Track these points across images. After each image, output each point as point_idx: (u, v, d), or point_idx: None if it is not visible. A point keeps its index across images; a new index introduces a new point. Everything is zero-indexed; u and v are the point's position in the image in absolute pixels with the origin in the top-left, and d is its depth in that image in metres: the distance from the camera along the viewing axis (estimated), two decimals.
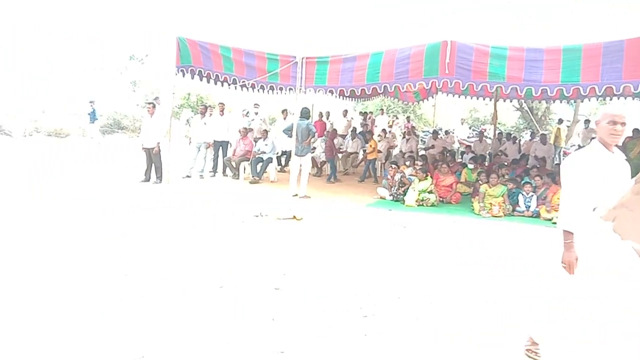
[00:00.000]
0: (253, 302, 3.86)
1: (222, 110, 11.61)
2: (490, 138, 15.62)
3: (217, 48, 9.63)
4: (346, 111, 16.65)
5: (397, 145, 14.67)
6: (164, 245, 5.34)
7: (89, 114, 18.66)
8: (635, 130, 10.94)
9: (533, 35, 8.27)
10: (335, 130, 12.74)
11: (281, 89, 10.69)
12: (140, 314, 3.54)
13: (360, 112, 18.12)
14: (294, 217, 6.95)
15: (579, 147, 15.59)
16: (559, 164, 12.54)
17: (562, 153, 16.14)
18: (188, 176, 10.86)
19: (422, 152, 13.74)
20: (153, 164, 9.86)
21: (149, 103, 10.37)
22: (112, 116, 23.78)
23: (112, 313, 3.53)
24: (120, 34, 26.01)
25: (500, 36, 8.20)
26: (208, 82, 10.67)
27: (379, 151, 12.97)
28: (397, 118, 19.61)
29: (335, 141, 13.37)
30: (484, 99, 17.77)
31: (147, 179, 9.89)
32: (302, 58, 8.70)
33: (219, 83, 10.46)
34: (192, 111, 23.78)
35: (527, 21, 9.35)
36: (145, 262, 4.74)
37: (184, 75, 10.14)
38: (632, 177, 2.33)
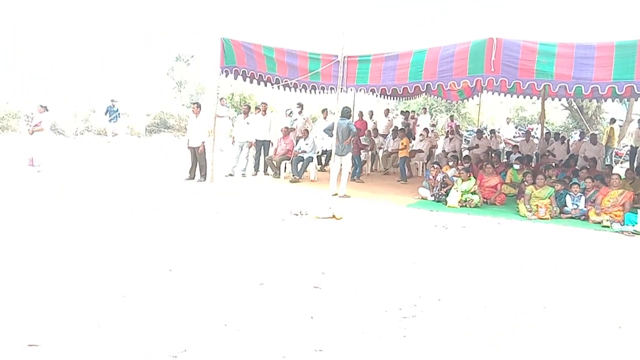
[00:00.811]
0: (292, 299, 3.89)
1: (264, 110, 11.75)
2: (537, 138, 15.14)
3: (260, 48, 9.75)
4: (388, 110, 16.53)
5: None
6: (207, 243, 5.46)
7: (107, 112, 18.74)
8: None
9: (585, 30, 7.94)
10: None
11: (323, 88, 10.71)
12: (183, 308, 3.63)
13: (402, 111, 17.93)
14: (334, 216, 6.95)
15: (632, 147, 14.90)
16: (610, 165, 12.02)
17: (613, 154, 15.47)
18: (231, 175, 11.05)
19: (465, 152, 13.47)
20: (197, 163, 10.10)
21: (194, 103, 10.63)
22: (158, 116, 24.47)
23: (157, 307, 3.63)
24: (167, 35, 26.72)
25: (549, 31, 7.92)
26: (251, 82, 10.83)
27: (420, 151, 12.82)
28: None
29: (376, 140, 13.33)
30: (530, 98, 17.26)
31: (192, 177, 10.13)
32: (344, 57, 8.68)
33: (262, 83, 10.60)
34: (235, 111, 24.16)
35: (578, 15, 9.00)
36: (189, 258, 4.86)
37: (227, 75, 10.34)
38: None
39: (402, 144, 11.62)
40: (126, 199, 7.84)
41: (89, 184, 9.13)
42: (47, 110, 11.03)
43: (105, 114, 18.92)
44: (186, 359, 2.91)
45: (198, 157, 10.04)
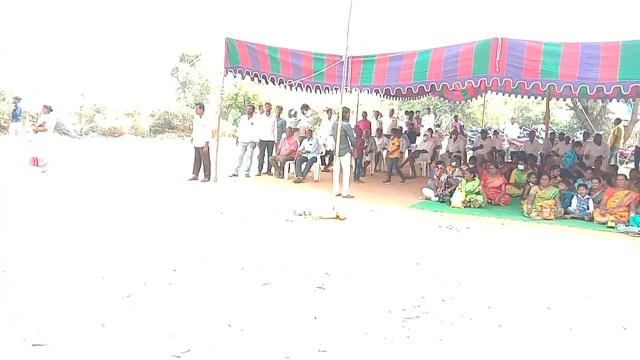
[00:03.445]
0: (296, 300, 3.89)
1: (268, 111, 11.78)
2: (542, 138, 15.09)
3: (264, 49, 9.76)
4: (392, 110, 16.52)
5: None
6: (211, 243, 5.46)
7: (13, 112, 17.11)
8: None
9: (590, 29, 7.90)
10: (361, 130, 12.47)
11: (327, 88, 10.71)
12: (187, 309, 3.63)
13: (406, 112, 17.91)
14: (337, 216, 6.95)
15: (637, 148, 14.83)
16: (614, 166, 11.96)
17: (618, 154, 15.39)
18: (234, 175, 11.06)
19: (470, 153, 13.44)
20: (202, 163, 10.12)
21: (197, 104, 10.64)
22: (162, 116, 24.53)
23: (160, 307, 3.63)
24: (172, 35, 26.80)
25: (554, 31, 7.89)
26: (259, 81, 10.83)
27: (425, 151, 12.80)
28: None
29: (380, 141, 13.30)
30: (535, 98, 17.19)
31: (196, 177, 10.15)
32: (348, 57, 8.68)
33: (266, 82, 10.61)
34: (240, 111, 24.20)
35: (583, 15, 8.96)
36: (193, 258, 4.86)
37: (234, 76, 10.39)
38: None
39: (394, 144, 11.51)
40: (130, 198, 7.86)
41: (94, 183, 9.16)
42: (51, 111, 11.06)
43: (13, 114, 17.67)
44: (190, 359, 2.91)
45: (202, 157, 10.07)
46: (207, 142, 9.97)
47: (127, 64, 26.18)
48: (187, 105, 25.67)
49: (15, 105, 16.80)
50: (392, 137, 12.84)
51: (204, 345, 3.08)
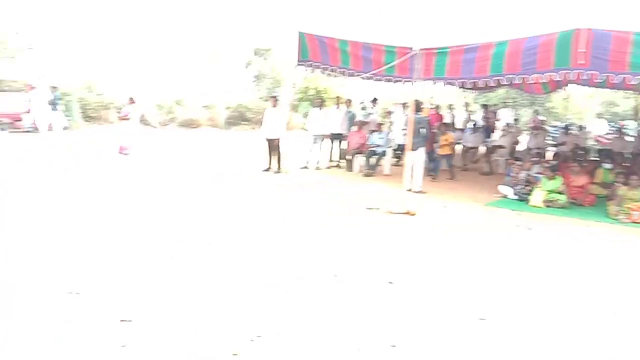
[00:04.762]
0: (366, 293, 3.88)
1: (338, 104, 11.80)
2: (631, 135, 14.03)
3: (335, 42, 9.77)
4: (467, 104, 16.02)
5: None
6: (282, 234, 5.57)
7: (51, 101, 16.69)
8: None
9: None
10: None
11: (398, 81, 10.56)
12: (258, 296, 3.73)
13: (481, 105, 17.27)
14: (408, 211, 6.84)
15: None
16: None
17: None
18: (305, 167, 11.20)
19: (551, 149, 12.77)
20: (274, 155, 10.33)
21: (272, 96, 10.87)
22: (237, 108, 25.27)
23: (233, 294, 3.76)
24: (246, 28, 27.48)
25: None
26: (328, 74, 10.89)
27: (502, 146, 12.28)
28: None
29: (455, 135, 12.93)
30: (624, 92, 16.00)
31: (269, 169, 10.38)
32: (420, 49, 8.49)
33: (333, 75, 10.65)
34: (310, 104, 24.41)
35: None
36: (265, 248, 4.98)
37: (305, 69, 10.52)
38: None
39: (445, 140, 11.03)
40: (206, 186, 8.18)
41: (172, 172, 9.63)
42: (135, 103, 11.74)
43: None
44: (262, 343, 2.99)
45: (275, 149, 10.27)
46: (280, 134, 10.17)
47: (204, 57, 27.16)
48: (260, 98, 26.28)
49: (53, 95, 17.74)
50: (472, 131, 12.48)
51: (274, 331, 3.15)
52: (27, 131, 17.71)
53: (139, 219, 5.86)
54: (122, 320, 3.18)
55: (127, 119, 11.20)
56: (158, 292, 3.70)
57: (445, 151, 10.92)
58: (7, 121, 17.68)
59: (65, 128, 19.02)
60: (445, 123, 12.07)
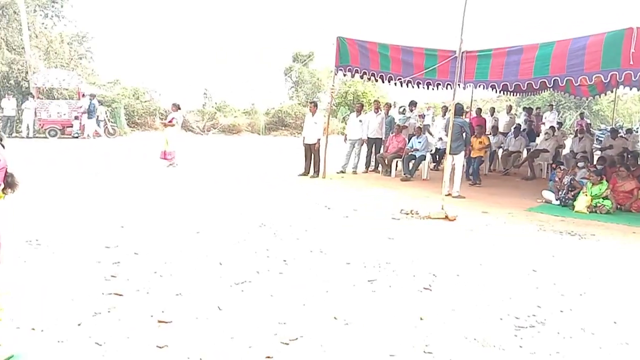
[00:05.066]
0: (402, 299, 3.85)
1: (377, 108, 11.77)
2: None
3: (375, 46, 9.77)
4: (510, 107, 15.67)
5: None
6: (318, 236, 5.59)
7: (87, 108, 18.22)
8: None
9: None
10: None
11: (438, 85, 10.46)
12: (295, 298, 3.76)
13: (524, 108, 16.84)
14: (446, 216, 6.75)
15: None
16: None
17: None
18: (342, 172, 11.22)
19: (597, 153, 12.30)
20: (312, 159, 10.40)
21: (311, 102, 10.97)
22: (276, 114, 25.59)
23: (271, 295, 3.81)
24: (286, 35, 27.87)
25: None
26: (367, 79, 10.90)
27: (545, 150, 11.94)
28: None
29: (496, 139, 12.68)
30: None
31: (306, 173, 10.46)
32: (462, 52, 8.37)
33: (373, 80, 10.66)
34: (349, 109, 24.43)
35: None
36: (300, 250, 5.02)
37: (344, 74, 10.56)
38: None
39: (480, 142, 10.74)
40: (243, 191, 8.31)
41: (213, 176, 9.85)
42: (179, 109, 12.09)
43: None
44: (300, 344, 3.02)
45: (312, 154, 10.35)
46: (318, 139, 10.24)
47: (244, 64, 27.70)
48: (299, 104, 26.52)
49: (89, 102, 18.48)
50: (515, 135, 12.20)
51: (310, 335, 3.17)
52: (75, 137, 18.54)
53: (173, 219, 6.03)
54: (160, 321, 3.28)
55: (172, 125, 11.53)
56: (198, 293, 3.79)
57: (477, 154, 10.71)
58: (58, 128, 18.52)
59: (111, 134, 19.85)
60: (481, 126, 11.84)
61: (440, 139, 11.85)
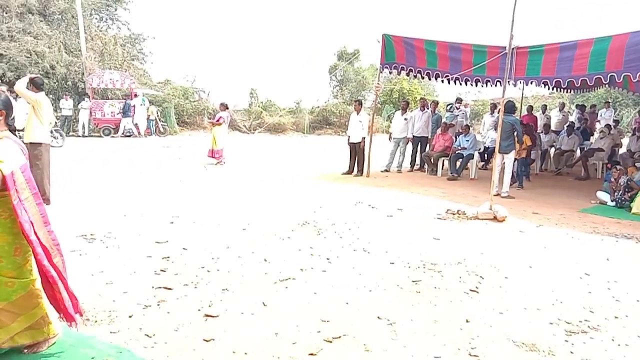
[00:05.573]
0: (447, 300, 3.79)
1: (423, 106, 11.61)
2: None
3: (421, 43, 9.64)
4: (563, 104, 15.09)
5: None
6: (362, 235, 5.58)
7: (123, 108, 19.10)
8: None
9: None
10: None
11: (487, 81, 10.20)
12: (338, 297, 3.77)
13: (577, 105, 16.18)
14: (495, 217, 6.57)
15: None
16: None
17: None
18: (386, 170, 11.14)
19: None
20: (356, 158, 10.39)
21: (356, 100, 10.96)
22: (320, 113, 25.69)
23: (315, 293, 3.84)
24: (331, 33, 27.97)
25: None
26: (414, 76, 10.78)
27: (600, 149, 11.43)
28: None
29: (547, 137, 12.26)
30: None
31: (350, 172, 10.45)
32: (513, 48, 8.13)
33: (419, 77, 10.53)
34: (394, 107, 24.25)
35: None
36: (345, 249, 5.02)
37: (390, 72, 10.47)
38: None
39: (526, 142, 10.19)
40: (288, 189, 8.39)
41: (259, 174, 10.00)
42: (227, 108, 12.35)
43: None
44: (343, 342, 3.03)
45: (357, 153, 10.33)
46: (363, 138, 10.22)
47: (290, 63, 27.96)
48: (344, 102, 26.52)
49: (124, 102, 19.13)
50: (568, 133, 11.76)
51: (353, 334, 3.17)
52: (127, 135, 19.27)
53: (220, 215, 6.16)
54: (207, 315, 3.36)
55: (219, 124, 11.78)
56: (244, 288, 3.87)
57: (522, 154, 10.31)
58: (111, 127, 19.31)
59: (162, 133, 20.52)
60: (525, 124, 11.44)
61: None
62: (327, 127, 25.31)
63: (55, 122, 13.86)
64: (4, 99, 2.66)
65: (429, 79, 10.45)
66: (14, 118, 2.80)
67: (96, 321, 3.21)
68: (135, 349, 2.89)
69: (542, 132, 12.42)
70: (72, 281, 3.81)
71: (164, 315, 3.34)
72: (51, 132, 8.53)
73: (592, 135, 13.63)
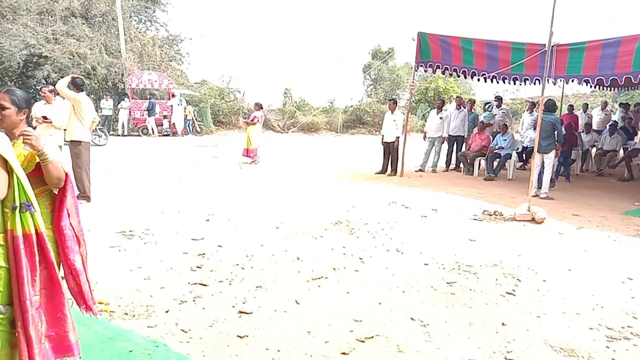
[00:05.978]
0: (484, 303, 3.73)
1: (459, 105, 11.43)
2: None
3: (457, 41, 9.50)
4: (605, 103, 14.58)
5: None
6: (395, 236, 5.54)
7: (148, 107, 19.41)
8: None
9: None
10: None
11: (526, 80, 9.96)
12: (372, 296, 3.76)
13: (621, 104, 15.59)
14: (533, 218, 6.41)
15: None
16: None
17: None
18: (421, 170, 11.03)
19: None
20: (390, 158, 10.32)
21: (391, 99, 10.89)
22: (354, 112, 25.62)
23: (348, 292, 3.84)
24: (366, 31, 27.89)
25: None
26: (449, 74, 10.63)
27: None
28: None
29: (589, 137, 11.87)
30: None
31: (383, 172, 10.39)
32: (553, 45, 7.90)
33: (455, 75, 10.38)
34: (429, 106, 23.97)
35: None
36: (378, 249, 5.00)
37: (425, 70, 10.37)
38: None
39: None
40: (320, 188, 8.41)
41: (292, 173, 10.06)
42: (261, 108, 12.48)
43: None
44: (376, 343, 3.02)
45: (391, 152, 10.26)
46: (397, 137, 10.15)
47: (324, 62, 28.01)
48: (378, 101, 26.36)
49: (149, 101, 19.45)
50: (610, 133, 11.37)
51: (386, 334, 3.16)
52: (166, 135, 19.73)
53: (254, 214, 6.23)
54: (241, 312, 3.41)
55: (254, 124, 11.91)
56: (277, 286, 3.90)
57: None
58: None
59: (198, 132, 20.91)
60: (570, 124, 11.09)
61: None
62: (361, 126, 25.21)
63: (99, 121, 14.34)
64: (27, 98, 2.48)
65: (465, 78, 10.28)
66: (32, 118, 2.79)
67: (134, 315, 3.30)
68: (171, 343, 2.96)
69: (583, 131, 12.04)
70: (112, 276, 3.95)
71: (199, 311, 3.41)
72: (95, 130, 8.81)
73: (636, 134, 13.11)
